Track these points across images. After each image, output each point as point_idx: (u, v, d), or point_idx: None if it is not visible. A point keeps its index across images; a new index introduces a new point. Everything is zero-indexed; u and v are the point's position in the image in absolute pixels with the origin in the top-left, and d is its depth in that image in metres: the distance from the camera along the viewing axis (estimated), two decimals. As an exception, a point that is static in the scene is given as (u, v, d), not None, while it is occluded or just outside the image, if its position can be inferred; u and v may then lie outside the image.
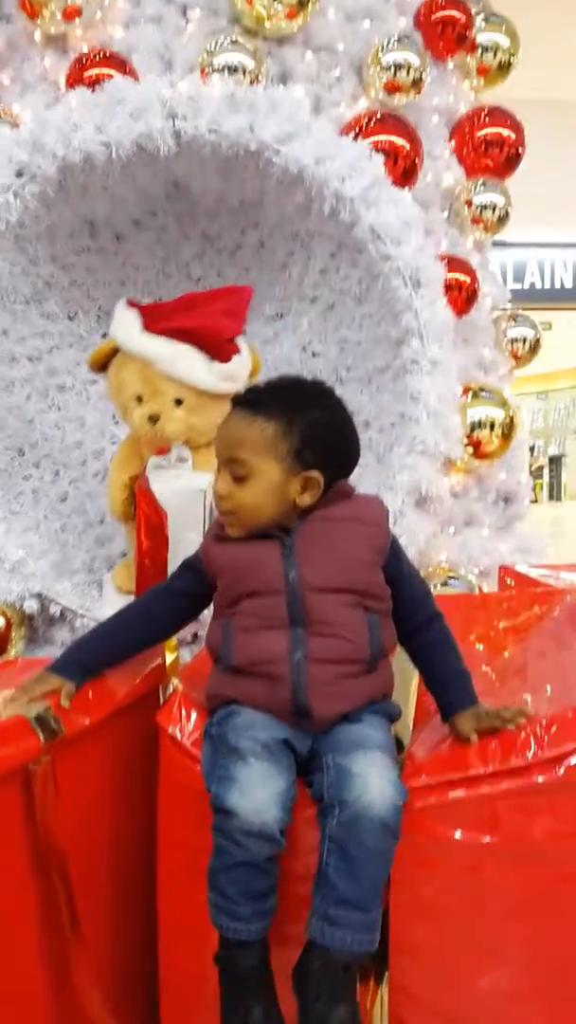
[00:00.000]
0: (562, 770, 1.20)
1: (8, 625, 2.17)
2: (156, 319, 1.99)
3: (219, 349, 1.98)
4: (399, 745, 1.37)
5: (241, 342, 2.04)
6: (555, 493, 16.43)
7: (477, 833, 1.20)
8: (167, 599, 1.46)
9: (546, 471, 16.43)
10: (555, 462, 16.77)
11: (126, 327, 2.01)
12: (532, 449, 15.76)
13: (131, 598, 2.10)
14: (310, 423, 1.32)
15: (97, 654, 1.43)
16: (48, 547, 2.33)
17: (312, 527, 1.35)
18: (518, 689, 1.45)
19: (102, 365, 2.10)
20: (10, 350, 2.42)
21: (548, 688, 1.42)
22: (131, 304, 2.04)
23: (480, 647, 1.64)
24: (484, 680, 1.48)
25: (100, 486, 2.57)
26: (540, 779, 1.20)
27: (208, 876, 1.21)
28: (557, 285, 9.08)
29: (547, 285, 9.07)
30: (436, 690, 1.37)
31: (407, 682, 1.48)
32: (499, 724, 1.26)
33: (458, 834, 1.21)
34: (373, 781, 1.17)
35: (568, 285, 9.10)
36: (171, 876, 1.36)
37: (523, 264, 8.98)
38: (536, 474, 15.45)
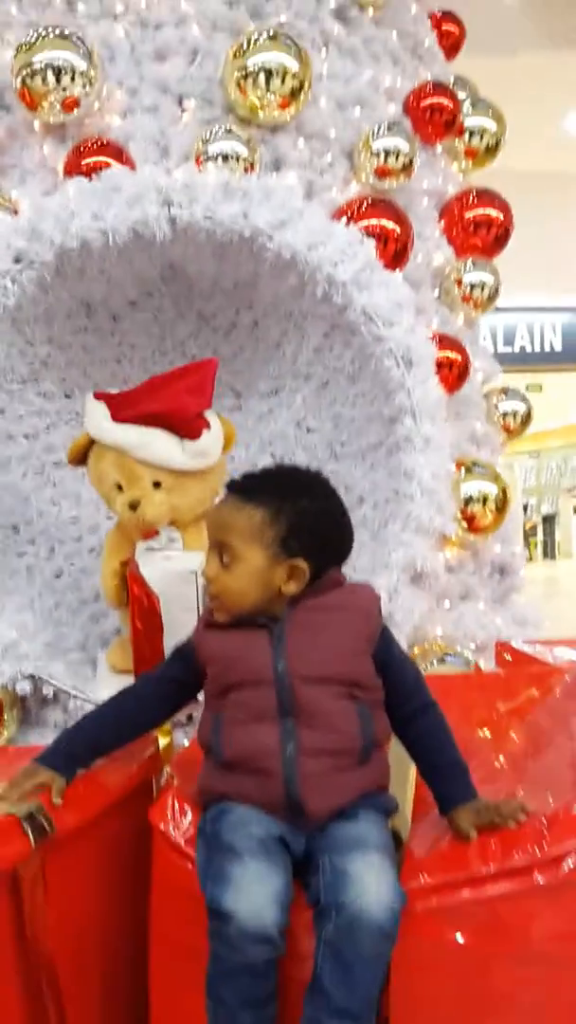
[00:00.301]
0: (565, 869, 1.18)
1: (0, 707, 2.14)
2: (123, 408, 2.02)
3: (188, 428, 2.00)
4: (397, 840, 1.35)
5: (211, 415, 2.06)
6: (549, 552, 16.44)
7: (478, 935, 1.17)
8: (158, 687, 1.45)
9: (540, 530, 16.47)
10: (548, 521, 16.83)
11: (96, 419, 2.04)
12: (525, 508, 15.83)
13: (126, 678, 2.08)
14: (297, 512, 1.33)
15: (88, 744, 1.41)
16: (42, 626, 2.31)
17: (302, 616, 1.34)
18: (518, 779, 1.43)
19: (81, 458, 2.12)
20: (6, 429, 2.44)
21: (549, 779, 1.40)
22: (98, 396, 2.07)
23: (480, 733, 1.61)
24: (484, 769, 1.46)
25: (95, 562, 2.56)
26: (541, 880, 1.18)
27: (206, 983, 1.17)
28: (547, 348, 9.25)
29: (537, 348, 9.23)
30: (433, 782, 1.35)
31: (404, 772, 1.46)
32: (499, 820, 1.24)
33: (459, 936, 1.18)
34: (370, 884, 1.14)
35: (557, 348, 9.26)
36: (165, 980, 1.32)
37: (513, 328, 9.15)
38: (530, 533, 15.51)
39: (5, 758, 1.66)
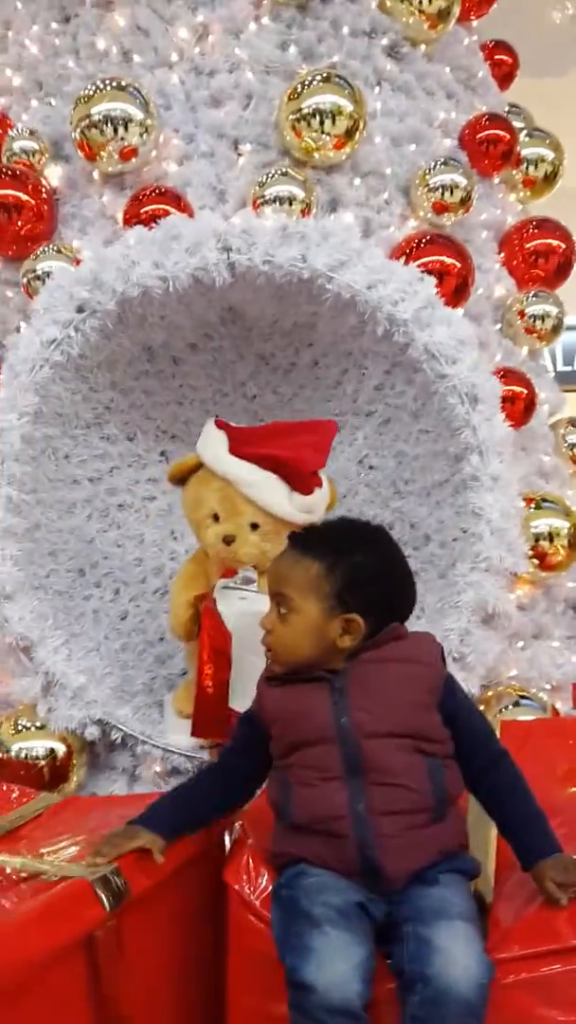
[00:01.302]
0: None
1: (70, 752, 2.14)
2: (243, 443, 2.02)
3: (302, 481, 1.99)
4: (481, 903, 1.30)
5: (322, 475, 2.05)
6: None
7: (573, 1012, 1.11)
8: (235, 760, 1.44)
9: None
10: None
11: (213, 446, 2.04)
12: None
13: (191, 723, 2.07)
14: (353, 566, 1.32)
15: (184, 816, 1.39)
16: (109, 669, 2.31)
17: (362, 669, 1.32)
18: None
19: (181, 479, 2.12)
20: (72, 473, 2.46)
21: None
22: (219, 425, 2.07)
23: (566, 788, 1.55)
24: (570, 825, 1.39)
25: (160, 603, 2.57)
26: None
27: (289, 1056, 1.13)
28: (608, 365, 9.06)
29: (599, 367, 9.05)
30: (511, 837, 1.31)
31: (484, 831, 1.40)
32: (589, 882, 1.18)
33: (552, 1013, 1.12)
34: (457, 957, 1.10)
35: (619, 366, 9.07)
36: (243, 1049, 1.29)
37: (573, 347, 9.00)
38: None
39: (76, 809, 1.65)
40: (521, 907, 1.23)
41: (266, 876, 1.31)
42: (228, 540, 2.00)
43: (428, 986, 1.09)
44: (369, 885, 1.23)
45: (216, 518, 2.04)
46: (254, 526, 2.01)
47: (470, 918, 1.17)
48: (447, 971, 1.09)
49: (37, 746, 2.11)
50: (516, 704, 2.17)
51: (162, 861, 1.29)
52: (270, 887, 1.29)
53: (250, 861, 1.34)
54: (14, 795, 1.70)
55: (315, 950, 1.11)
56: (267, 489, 1.99)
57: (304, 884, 1.22)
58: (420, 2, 2.59)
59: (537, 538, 2.35)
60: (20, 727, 2.13)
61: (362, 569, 1.32)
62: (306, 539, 1.38)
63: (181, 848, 1.38)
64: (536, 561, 2.35)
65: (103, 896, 1.20)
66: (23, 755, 2.11)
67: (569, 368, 8.95)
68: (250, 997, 1.27)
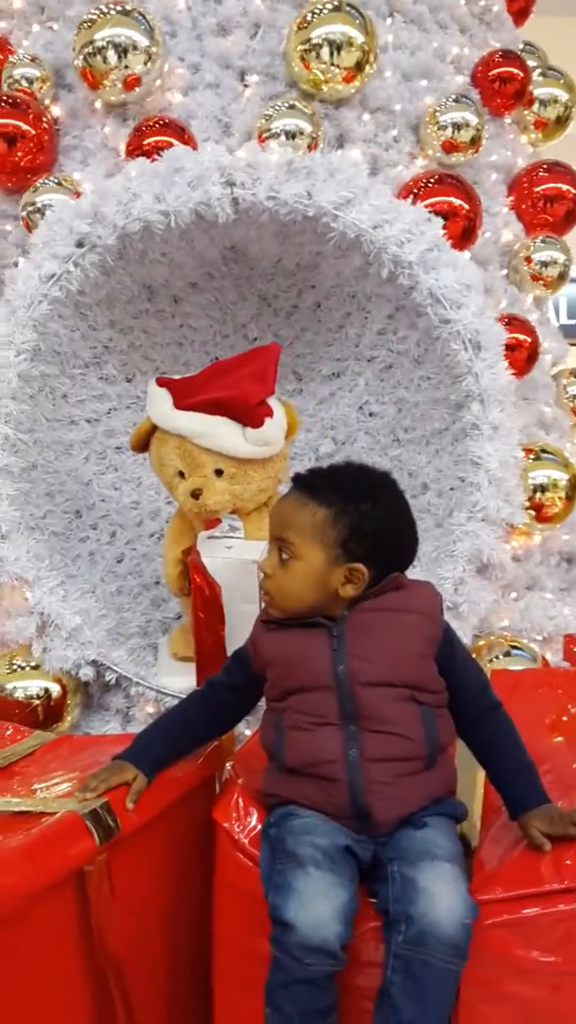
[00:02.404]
0: None
1: (64, 693, 2.15)
2: (185, 394, 1.99)
3: (250, 415, 1.95)
4: (466, 846, 1.31)
5: (274, 402, 2.01)
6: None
7: (551, 953, 1.14)
8: (224, 693, 1.44)
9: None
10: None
11: (159, 406, 2.01)
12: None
13: (187, 665, 2.08)
14: (360, 515, 1.29)
15: (168, 748, 1.41)
16: (104, 611, 2.31)
17: (361, 617, 1.31)
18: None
19: (143, 445, 2.10)
20: (69, 413, 2.44)
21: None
22: (160, 383, 2.04)
23: (553, 737, 1.56)
24: (556, 773, 1.41)
25: (156, 546, 2.56)
26: (620, 897, 1.14)
27: (265, 991, 1.16)
28: (614, 320, 8.94)
29: (604, 320, 8.93)
30: (501, 787, 1.32)
31: (472, 776, 1.42)
32: (573, 832, 1.20)
33: (532, 953, 1.14)
34: (441, 897, 1.12)
35: (624, 319, 8.95)
36: (228, 980, 1.32)
37: (578, 300, 8.88)
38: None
39: (70, 747, 1.67)
40: (505, 851, 1.25)
41: (255, 815, 1.33)
42: (196, 494, 1.98)
43: (412, 925, 1.11)
44: (357, 828, 1.24)
45: (182, 475, 2.02)
46: (219, 473, 1.99)
47: (455, 859, 1.19)
48: (431, 911, 1.11)
49: (32, 686, 2.12)
50: (507, 654, 2.17)
51: (132, 807, 1.29)
52: (259, 826, 1.30)
53: (240, 800, 1.35)
54: (8, 732, 1.72)
55: (297, 890, 1.13)
56: (219, 434, 1.96)
57: (292, 824, 1.23)
58: None
59: (535, 489, 2.33)
60: (15, 666, 2.14)
61: (369, 518, 1.30)
62: (313, 482, 1.34)
63: (171, 786, 1.40)
64: (533, 512, 2.34)
65: (93, 830, 1.22)
66: (18, 694, 2.11)
67: (574, 321, 8.85)
68: (236, 934, 1.30)
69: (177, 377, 2.07)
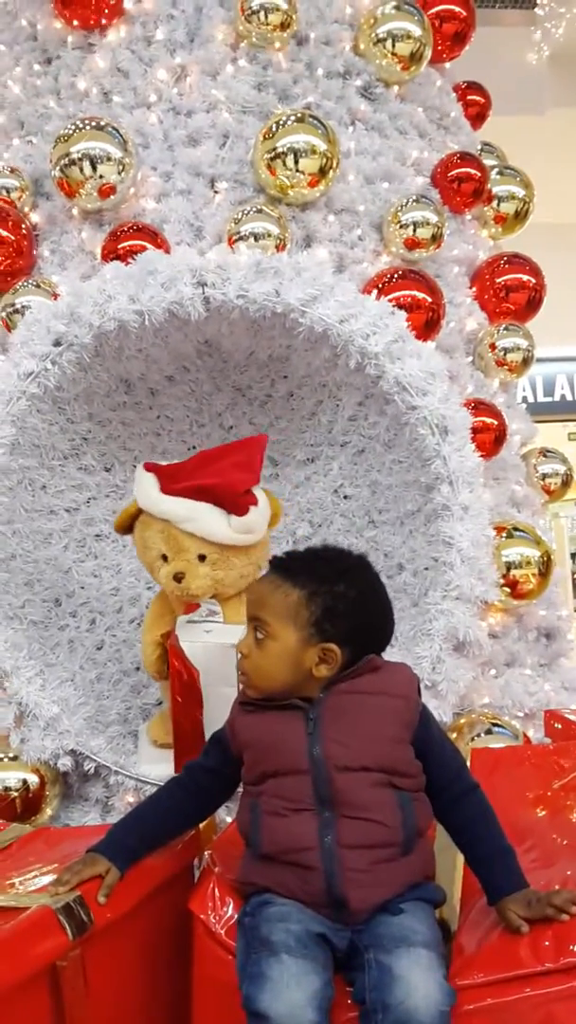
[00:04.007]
0: (622, 966, 1.13)
1: (42, 783, 2.13)
2: (172, 480, 2.04)
3: (235, 503, 2.00)
4: (445, 931, 1.30)
5: (258, 491, 2.07)
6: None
7: (532, 1038, 1.12)
8: (202, 778, 1.44)
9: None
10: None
11: (145, 489, 2.06)
12: (574, 557, 15.47)
13: (167, 752, 2.07)
14: (334, 596, 1.33)
15: (143, 838, 1.40)
16: (83, 699, 2.30)
17: (337, 700, 1.32)
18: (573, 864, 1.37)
19: (128, 527, 2.14)
20: (48, 503, 2.48)
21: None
22: (148, 467, 2.09)
23: (534, 810, 1.56)
24: (541, 849, 1.41)
25: (136, 632, 2.57)
26: (598, 978, 1.13)
27: None
28: (587, 396, 9.15)
29: (577, 396, 9.14)
30: (479, 871, 1.31)
31: (451, 859, 1.41)
32: (551, 913, 1.19)
33: (512, 1039, 1.13)
34: (418, 984, 1.10)
35: (598, 395, 9.16)
36: (208, 1081, 1.28)
37: (553, 377, 9.11)
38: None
39: (47, 840, 1.65)
40: (484, 934, 1.24)
41: (232, 905, 1.32)
42: (178, 577, 2.01)
43: (389, 1015, 1.10)
44: (333, 916, 1.23)
45: (165, 558, 2.06)
46: (202, 558, 2.03)
47: (432, 945, 1.18)
48: (408, 999, 1.09)
49: (10, 777, 2.11)
50: (488, 731, 2.18)
51: (103, 901, 1.27)
52: (235, 916, 1.29)
53: (216, 890, 1.34)
54: (-16, 826, 1.70)
55: (271, 978, 1.12)
56: (204, 519, 2.00)
57: (268, 912, 1.22)
58: (393, 45, 2.67)
59: (509, 566, 2.38)
60: (-7, 758, 2.13)
61: (342, 599, 1.33)
62: (288, 564, 1.38)
63: (147, 876, 1.39)
64: (508, 589, 2.38)
65: (66, 924, 1.20)
66: (-4, 786, 2.10)
67: (549, 399, 9.06)
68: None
69: (164, 463, 2.13)
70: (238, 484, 2.01)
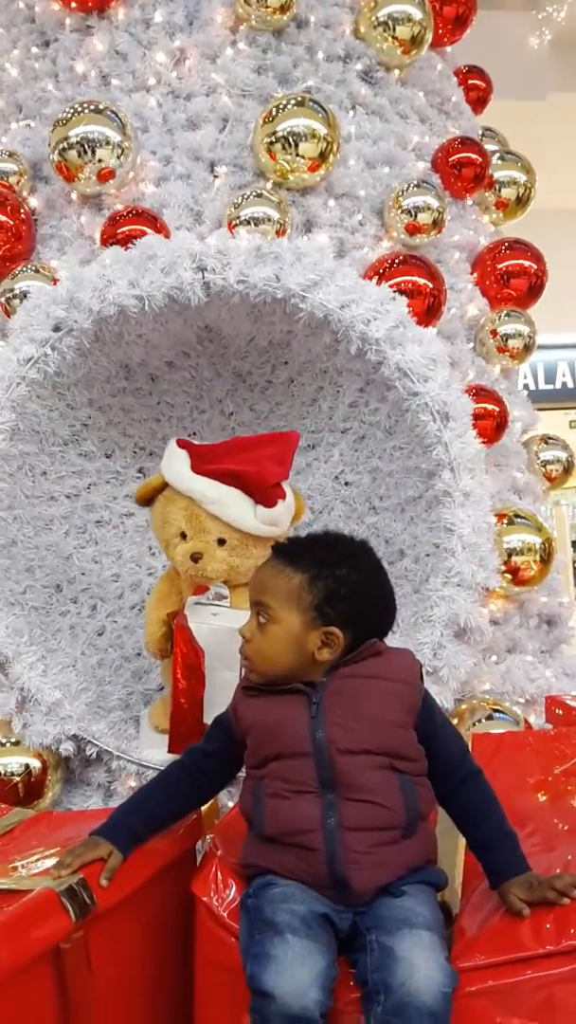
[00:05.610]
0: (622, 948, 1.14)
1: (44, 768, 2.14)
2: (205, 460, 2.04)
3: (265, 494, 2.01)
4: (447, 914, 1.31)
5: (286, 487, 2.07)
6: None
7: (533, 1020, 1.13)
8: (204, 761, 1.44)
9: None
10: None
11: (176, 465, 2.05)
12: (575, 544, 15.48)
13: (167, 737, 2.07)
14: (335, 579, 1.33)
15: (145, 822, 1.40)
16: (85, 685, 2.31)
17: (339, 684, 1.33)
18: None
19: (148, 500, 2.13)
20: (49, 490, 2.47)
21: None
22: (181, 444, 2.09)
23: (535, 795, 1.56)
24: (542, 834, 1.41)
25: (137, 618, 2.58)
26: (599, 960, 1.13)
27: (246, 1061, 1.14)
28: (590, 384, 9.14)
29: (579, 384, 9.13)
30: (481, 855, 1.32)
31: (453, 843, 1.42)
32: (552, 897, 1.20)
33: (513, 1021, 1.13)
34: (419, 965, 1.11)
35: (600, 383, 9.15)
36: (210, 1061, 1.29)
37: (554, 365, 9.09)
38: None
39: (49, 823, 1.65)
40: (486, 917, 1.25)
41: (234, 888, 1.32)
42: (195, 557, 2.01)
43: (391, 995, 1.10)
44: (335, 897, 1.24)
45: (183, 536, 2.05)
46: (221, 542, 2.03)
47: (434, 927, 1.18)
48: (410, 980, 1.10)
49: (12, 762, 2.11)
50: (489, 717, 2.19)
51: (106, 884, 1.27)
52: (237, 899, 1.30)
53: (218, 873, 1.35)
54: (-13, 810, 1.71)
55: (275, 958, 1.12)
56: (230, 504, 2.01)
57: (270, 893, 1.23)
58: (393, 28, 2.64)
59: (510, 553, 2.37)
60: (-5, 743, 2.13)
61: (344, 583, 1.33)
62: (290, 550, 1.39)
63: (150, 859, 1.39)
64: (509, 576, 2.38)
65: (69, 907, 1.21)
66: (-2, 771, 2.10)
67: (551, 387, 9.05)
68: (217, 1008, 1.28)
69: (197, 443, 2.12)
70: (270, 476, 2.02)
